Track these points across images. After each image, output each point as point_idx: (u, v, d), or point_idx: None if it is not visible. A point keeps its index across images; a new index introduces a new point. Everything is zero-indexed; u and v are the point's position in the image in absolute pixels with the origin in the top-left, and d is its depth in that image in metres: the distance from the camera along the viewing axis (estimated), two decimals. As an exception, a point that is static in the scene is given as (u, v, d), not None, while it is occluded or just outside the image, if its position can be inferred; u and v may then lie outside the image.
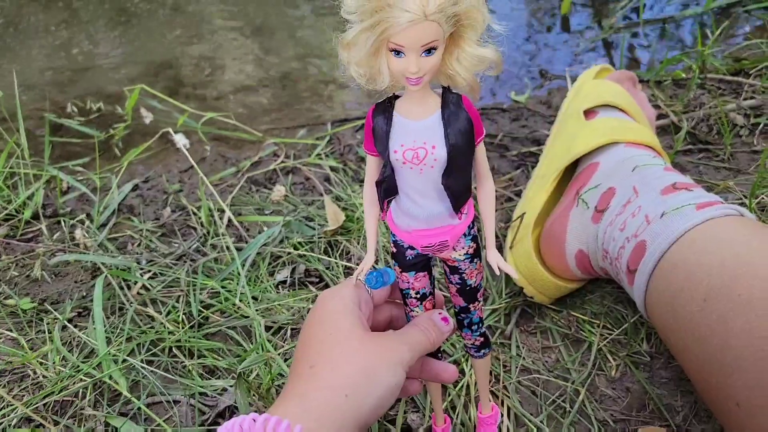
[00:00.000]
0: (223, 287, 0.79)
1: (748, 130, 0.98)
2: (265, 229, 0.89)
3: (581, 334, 0.72)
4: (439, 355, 0.55)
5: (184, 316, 0.76)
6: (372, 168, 0.46)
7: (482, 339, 0.53)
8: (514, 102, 1.18)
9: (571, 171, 0.80)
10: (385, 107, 0.43)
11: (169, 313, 0.77)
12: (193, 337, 0.73)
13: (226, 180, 1.03)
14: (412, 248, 0.47)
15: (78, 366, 0.71)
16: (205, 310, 0.77)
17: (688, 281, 0.57)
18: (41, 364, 0.72)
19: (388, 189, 0.45)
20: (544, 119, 1.11)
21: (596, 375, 0.68)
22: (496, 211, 0.88)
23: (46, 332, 0.76)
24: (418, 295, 0.50)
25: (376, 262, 0.68)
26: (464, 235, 0.46)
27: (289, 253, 0.84)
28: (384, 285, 0.50)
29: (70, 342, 0.75)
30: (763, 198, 0.81)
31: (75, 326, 0.78)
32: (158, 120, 1.21)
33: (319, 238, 0.86)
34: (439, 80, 0.42)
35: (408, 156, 0.42)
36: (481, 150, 0.44)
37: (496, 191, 0.94)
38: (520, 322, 0.74)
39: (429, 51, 0.38)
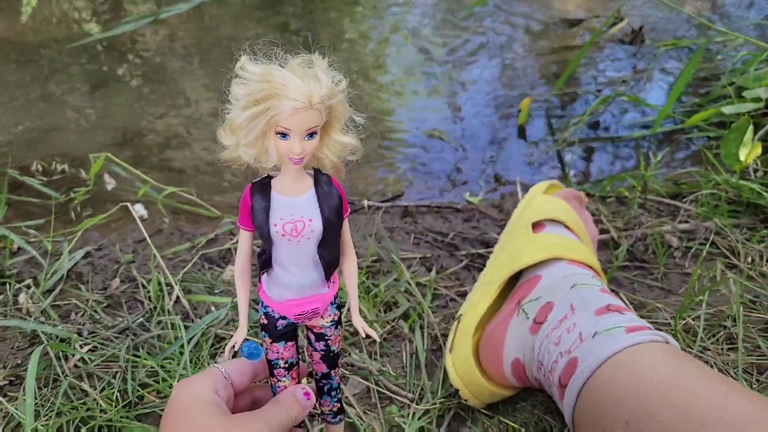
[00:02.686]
0: (162, 366, 0.78)
1: (682, 253, 1.04)
2: (213, 309, 0.90)
3: (512, 443, 0.73)
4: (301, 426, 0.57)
5: (118, 394, 0.75)
6: (245, 242, 0.50)
7: (339, 405, 0.57)
8: (468, 203, 1.23)
9: (514, 279, 0.84)
10: (263, 186, 0.47)
11: (103, 389, 0.76)
12: (125, 417, 0.72)
13: (180, 255, 1.04)
14: (283, 318, 0.50)
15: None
16: (141, 389, 0.76)
17: (613, 404, 0.60)
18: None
19: (266, 261, 0.48)
20: (494, 222, 1.16)
21: (523, 486, 0.69)
22: (442, 308, 0.91)
23: (-27, 400, 0.74)
24: (287, 365, 0.53)
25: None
26: (331, 303, 0.51)
27: (233, 336, 0.84)
28: (258, 357, 0.52)
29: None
30: (688, 321, 0.85)
31: (5, 395, 0.76)
32: (120, 187, 1.22)
33: (265, 323, 0.86)
34: (308, 163, 0.47)
35: (287, 228, 0.46)
36: (346, 225, 0.50)
37: (445, 288, 0.97)
38: (452, 425, 0.75)
39: (311, 135, 0.44)
